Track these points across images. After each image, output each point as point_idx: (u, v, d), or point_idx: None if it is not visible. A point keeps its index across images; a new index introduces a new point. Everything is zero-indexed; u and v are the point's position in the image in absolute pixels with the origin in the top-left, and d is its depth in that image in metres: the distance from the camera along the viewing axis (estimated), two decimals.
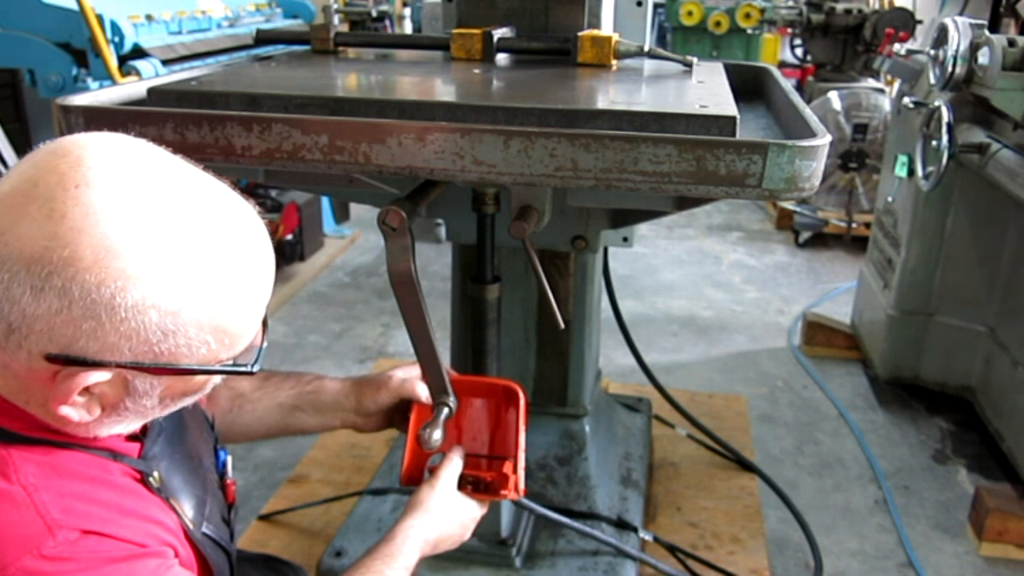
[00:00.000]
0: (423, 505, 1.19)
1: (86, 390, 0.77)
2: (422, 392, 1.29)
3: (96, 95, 1.19)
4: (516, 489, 1.27)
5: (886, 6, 5.10)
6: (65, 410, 0.77)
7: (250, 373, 0.86)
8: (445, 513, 1.21)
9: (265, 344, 0.89)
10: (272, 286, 0.86)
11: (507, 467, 1.28)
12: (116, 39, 2.89)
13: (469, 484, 1.27)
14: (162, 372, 0.78)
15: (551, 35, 1.58)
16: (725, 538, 2.11)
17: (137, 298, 0.72)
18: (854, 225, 4.40)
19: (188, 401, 0.88)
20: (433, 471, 1.26)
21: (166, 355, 0.77)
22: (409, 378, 1.31)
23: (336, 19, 1.67)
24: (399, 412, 1.34)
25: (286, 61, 1.54)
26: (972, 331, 2.74)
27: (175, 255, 0.74)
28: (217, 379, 0.89)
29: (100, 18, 2.82)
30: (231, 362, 0.83)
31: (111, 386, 0.78)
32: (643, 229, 4.70)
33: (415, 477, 1.30)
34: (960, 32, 2.33)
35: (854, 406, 2.92)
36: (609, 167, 0.95)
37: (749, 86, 1.57)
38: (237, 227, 0.80)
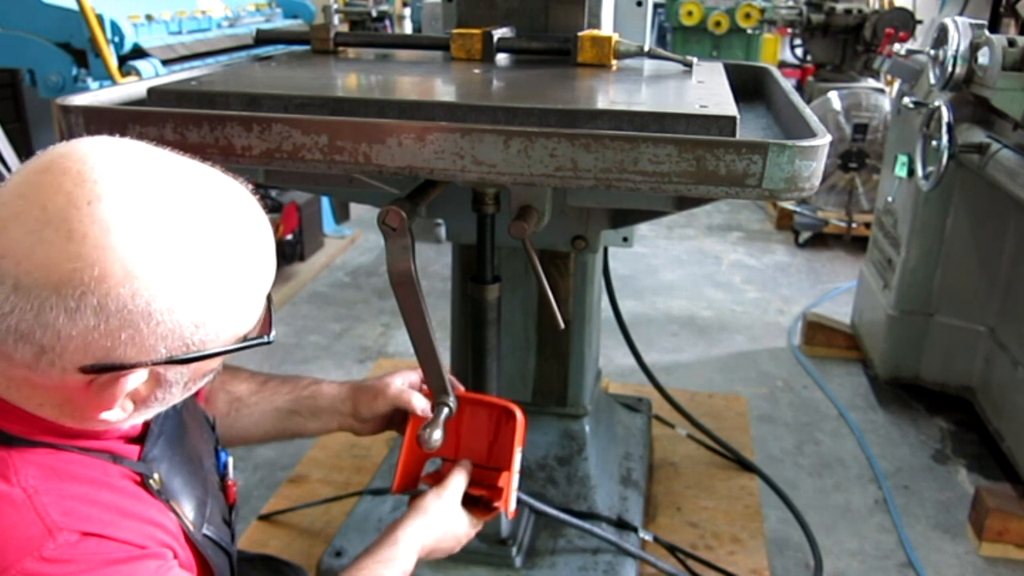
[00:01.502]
0: (427, 512, 1.20)
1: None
2: (418, 404, 1.28)
3: (96, 95, 1.19)
4: (506, 508, 1.28)
5: (886, 6, 5.10)
6: (106, 415, 0.79)
7: (269, 343, 0.88)
8: (446, 523, 1.22)
9: (275, 313, 0.91)
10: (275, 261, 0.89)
11: (502, 479, 1.29)
12: (116, 39, 2.89)
13: (469, 501, 1.28)
14: (194, 361, 0.80)
15: (551, 35, 1.58)
16: (725, 538, 2.11)
17: (170, 301, 0.74)
18: (854, 225, 4.40)
19: (207, 380, 0.90)
20: (435, 478, 1.27)
21: (196, 344, 0.79)
22: (406, 389, 1.31)
23: (336, 19, 1.67)
24: (398, 414, 1.34)
25: (286, 61, 1.54)
26: (972, 331, 2.74)
27: (194, 251, 0.75)
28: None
29: (100, 18, 2.82)
30: (252, 338, 0.86)
31: (145, 384, 0.80)
32: (643, 229, 4.70)
33: (408, 486, 1.31)
34: (960, 32, 2.33)
35: (854, 406, 2.92)
36: (609, 167, 0.95)
37: (749, 86, 1.57)
38: (243, 214, 0.83)
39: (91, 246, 0.70)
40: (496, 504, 1.28)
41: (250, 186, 0.87)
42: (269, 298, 0.90)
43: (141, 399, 0.82)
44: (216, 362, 0.87)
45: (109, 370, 0.75)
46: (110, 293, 0.71)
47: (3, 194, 0.74)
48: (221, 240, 0.78)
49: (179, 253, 0.74)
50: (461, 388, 1.35)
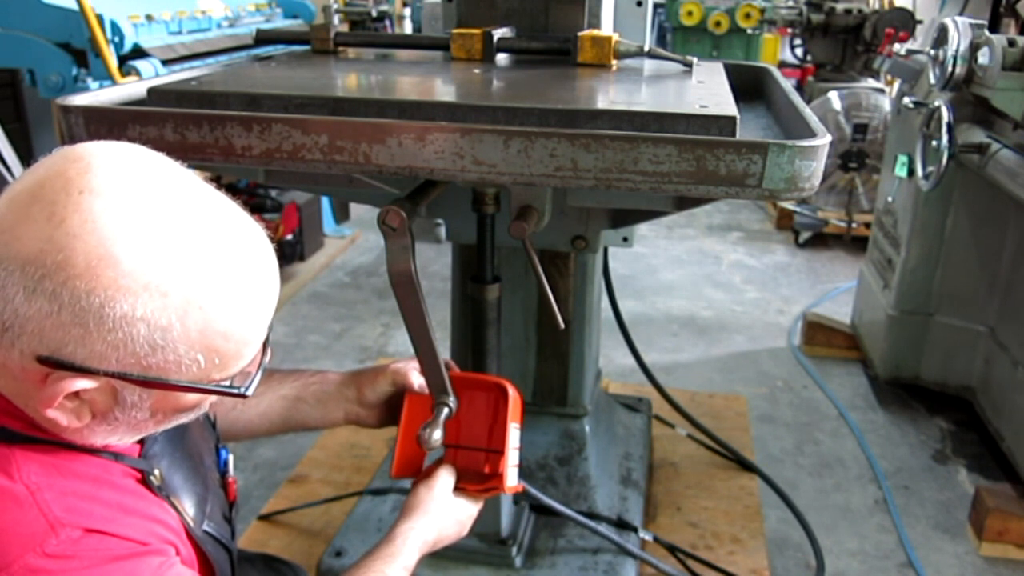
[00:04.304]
0: (422, 507, 1.20)
1: (75, 395, 0.76)
2: (416, 381, 1.30)
3: (96, 95, 1.19)
4: (503, 487, 1.27)
5: (886, 6, 5.10)
6: (52, 413, 0.77)
7: (242, 396, 0.84)
8: (443, 513, 1.22)
9: (262, 369, 0.88)
10: (274, 309, 0.85)
11: (501, 465, 1.28)
12: (116, 39, 2.89)
13: (465, 482, 1.27)
14: (150, 385, 0.78)
15: (551, 35, 1.58)
16: (725, 538, 2.12)
17: (126, 309, 0.72)
18: (854, 225, 4.40)
19: (184, 418, 0.87)
20: (429, 470, 1.27)
21: (154, 369, 0.76)
22: (406, 367, 1.32)
23: (336, 19, 1.67)
24: (400, 406, 1.34)
25: (286, 61, 1.54)
26: (972, 331, 2.74)
27: (170, 271, 0.73)
28: (213, 398, 0.87)
29: (100, 18, 2.82)
30: (227, 382, 0.82)
31: (100, 394, 0.78)
32: (643, 229, 4.70)
33: (406, 470, 1.30)
34: (960, 32, 2.33)
35: (854, 406, 2.92)
36: (609, 167, 0.95)
37: (749, 86, 1.57)
38: (240, 250, 0.79)
39: (64, 232, 0.70)
40: (493, 484, 1.27)
41: (263, 224, 0.84)
42: (265, 348, 0.87)
43: (100, 412, 0.79)
44: (191, 400, 0.84)
45: (61, 367, 0.73)
46: (66, 283, 0.70)
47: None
48: (206, 272, 0.75)
49: (151, 267, 0.72)
50: (456, 369, 1.35)
